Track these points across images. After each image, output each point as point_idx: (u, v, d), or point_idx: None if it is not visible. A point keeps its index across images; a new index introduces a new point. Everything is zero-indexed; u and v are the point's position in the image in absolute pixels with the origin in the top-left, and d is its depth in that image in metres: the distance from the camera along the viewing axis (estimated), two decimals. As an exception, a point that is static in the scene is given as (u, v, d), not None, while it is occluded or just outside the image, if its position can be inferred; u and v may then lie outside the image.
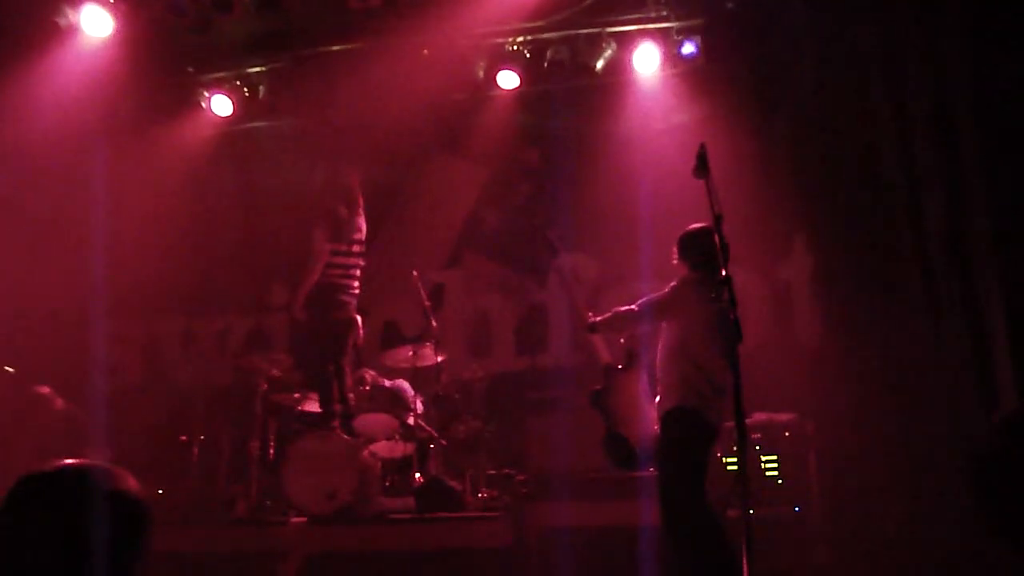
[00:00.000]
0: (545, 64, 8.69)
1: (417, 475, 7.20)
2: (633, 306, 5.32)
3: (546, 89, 9.16)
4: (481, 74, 8.81)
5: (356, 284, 7.90)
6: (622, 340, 5.68)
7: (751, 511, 3.87)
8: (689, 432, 5.00)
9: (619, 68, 8.77)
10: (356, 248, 7.98)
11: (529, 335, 8.84)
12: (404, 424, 7.42)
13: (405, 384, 7.75)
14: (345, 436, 7.11)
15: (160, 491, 7.87)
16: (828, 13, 7.14)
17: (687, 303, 5.03)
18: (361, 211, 8.14)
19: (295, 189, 9.52)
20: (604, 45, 8.55)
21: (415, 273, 8.10)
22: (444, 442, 7.43)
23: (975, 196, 5.93)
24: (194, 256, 9.82)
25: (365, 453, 7.09)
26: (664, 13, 8.51)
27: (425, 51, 8.92)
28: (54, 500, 1.81)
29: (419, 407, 7.58)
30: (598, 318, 5.50)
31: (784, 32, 7.73)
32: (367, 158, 8.79)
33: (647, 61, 8.57)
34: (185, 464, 7.81)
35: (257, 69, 9.31)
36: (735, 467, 6.29)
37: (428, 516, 6.71)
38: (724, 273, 4.15)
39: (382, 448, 7.32)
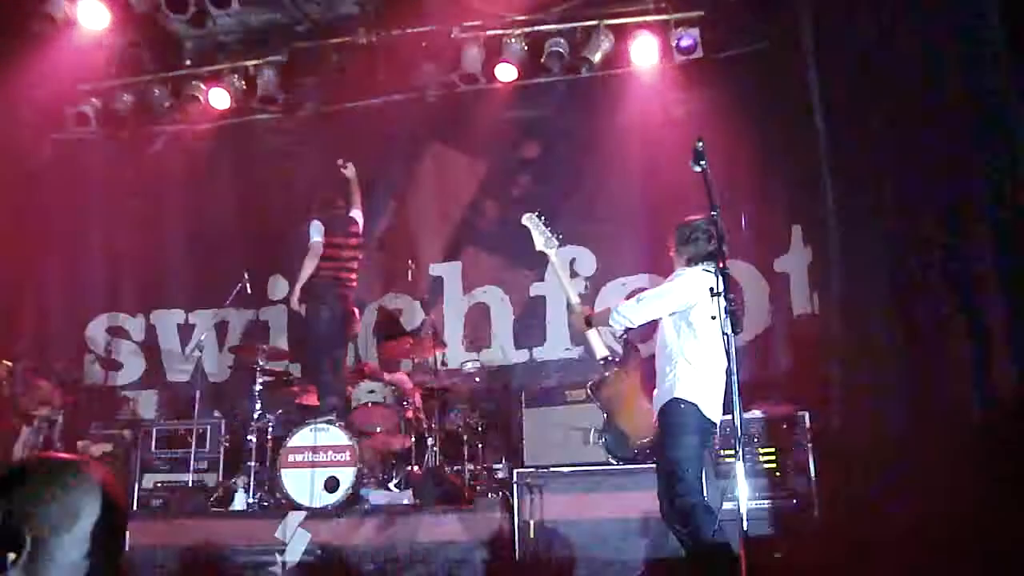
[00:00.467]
0: (543, 57, 8.69)
1: (415, 468, 7.21)
2: (633, 299, 5.30)
3: (544, 82, 9.17)
4: (479, 67, 8.80)
5: (353, 277, 7.91)
6: (620, 333, 5.66)
7: (748, 505, 3.87)
8: (687, 425, 4.99)
9: (617, 61, 8.77)
10: (353, 241, 7.99)
11: (526, 328, 8.85)
12: (402, 417, 7.43)
13: (404, 377, 7.77)
14: (343, 429, 7.10)
15: (159, 483, 7.90)
16: (827, 4, 7.12)
17: (684, 296, 5.02)
18: (358, 204, 8.15)
19: (293, 182, 9.51)
20: (602, 38, 8.55)
21: (413, 266, 8.10)
22: (442, 435, 7.44)
23: (972, 180, 5.91)
24: (192, 249, 9.83)
25: (363, 445, 7.09)
26: (662, 5, 8.52)
27: (423, 44, 8.92)
28: (49, 488, 1.84)
29: (417, 400, 7.59)
30: (596, 312, 5.49)
31: (782, 24, 7.72)
32: (365, 151, 8.78)
33: (645, 54, 8.58)
34: (184, 456, 7.81)
35: (254, 62, 9.30)
36: (732, 460, 6.29)
37: (426, 508, 6.72)
38: (722, 265, 4.14)
39: (379, 441, 7.33)
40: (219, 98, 9.38)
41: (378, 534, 6.56)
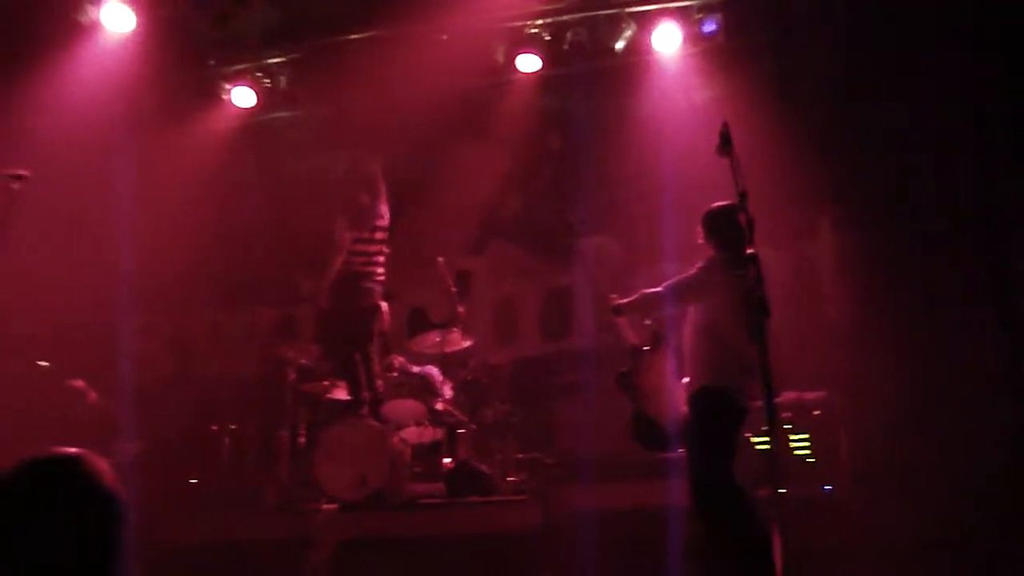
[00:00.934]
0: (565, 46, 8.65)
1: (446, 460, 7.23)
2: (659, 287, 5.29)
3: (566, 72, 9.12)
4: (501, 58, 8.78)
5: (380, 271, 7.92)
6: (647, 321, 5.65)
7: (782, 491, 3.85)
8: (718, 412, 4.98)
9: (639, 48, 8.72)
10: (379, 235, 7.99)
11: (554, 319, 8.82)
12: (432, 410, 7.45)
13: (433, 370, 7.77)
14: (374, 423, 7.13)
15: (193, 480, 7.96)
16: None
17: (714, 282, 5.00)
18: (383, 198, 8.14)
19: (318, 178, 9.57)
20: (624, 25, 8.51)
21: (440, 260, 8.10)
22: (473, 427, 7.45)
23: (1007, 170, 5.85)
24: (220, 248, 9.89)
25: (394, 439, 7.11)
26: (684, -9, 8.46)
27: (444, 37, 8.90)
28: (52, 485, 1.87)
29: (447, 393, 7.61)
30: (623, 300, 5.48)
31: (806, 6, 7.65)
32: (389, 145, 8.78)
33: (668, 40, 8.52)
34: (216, 454, 7.87)
35: (277, 60, 9.34)
36: (764, 447, 6.26)
37: (458, 501, 6.74)
38: (750, 251, 4.11)
39: (411, 434, 7.35)
40: (243, 96, 9.42)
41: (411, 526, 6.59)
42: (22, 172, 5.46)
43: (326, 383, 7.82)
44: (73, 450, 1.93)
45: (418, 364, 7.98)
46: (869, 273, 7.27)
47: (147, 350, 9.79)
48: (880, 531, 6.08)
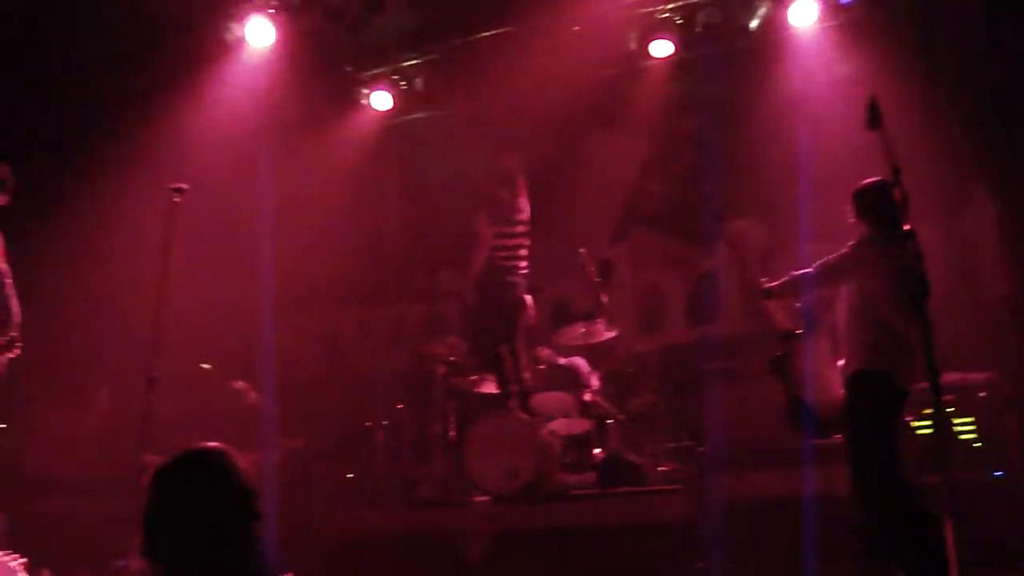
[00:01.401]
0: (698, 29, 8.51)
1: (597, 451, 7.23)
2: (810, 268, 5.16)
3: (701, 54, 8.97)
4: (633, 45, 8.72)
5: (524, 265, 7.99)
6: (798, 304, 5.51)
7: (950, 477, 3.70)
8: (877, 396, 4.83)
9: (775, 25, 8.52)
10: (520, 229, 8.06)
11: (700, 305, 8.70)
12: (581, 401, 7.46)
13: (580, 361, 7.78)
14: (523, 415, 7.19)
15: (349, 476, 8.20)
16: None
17: (869, 261, 4.84)
18: (523, 192, 8.20)
19: (457, 176, 9.72)
20: (758, 3, 8.33)
21: (583, 250, 8.10)
22: (622, 417, 7.43)
23: None
24: (366, 248, 10.17)
25: (544, 431, 7.15)
26: (820, -39, 8.20)
27: (576, 28, 8.90)
28: (202, 477, 2.24)
29: (595, 383, 7.61)
30: (773, 283, 5.37)
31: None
32: (526, 139, 8.85)
33: (804, 15, 8.29)
34: (370, 449, 8.08)
35: (413, 62, 9.53)
36: (926, 431, 6.03)
37: (610, 491, 6.73)
38: (907, 228, 3.96)
39: (560, 426, 7.38)
40: (381, 100, 9.66)
41: (564, 519, 6.63)
42: (183, 186, 5.74)
43: (474, 377, 7.92)
44: (216, 445, 2.30)
45: (564, 356, 8.01)
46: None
47: (301, 350, 10.15)
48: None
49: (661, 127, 9.22)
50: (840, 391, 5.03)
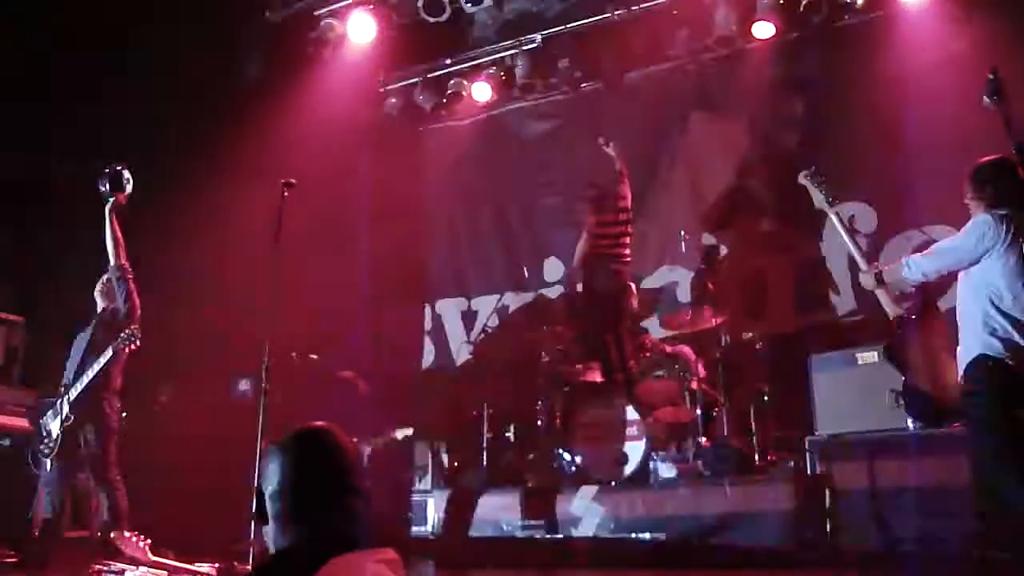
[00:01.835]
0: (801, 8, 8.32)
1: (704, 439, 7.17)
2: (925, 252, 5.00)
3: (804, 34, 8.77)
4: (734, 27, 8.57)
5: (626, 252, 7.97)
6: (912, 289, 5.35)
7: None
8: (996, 383, 4.65)
9: (882, 0, 8.26)
10: (623, 216, 8.04)
11: (808, 291, 8.49)
12: (687, 388, 7.40)
13: (686, 349, 7.71)
14: (629, 403, 7.17)
15: (456, 464, 8.30)
16: None
17: (988, 242, 4.66)
18: (625, 180, 8.17)
19: (558, 164, 9.74)
20: (864, -23, 8.08)
21: (686, 236, 8.02)
22: (729, 405, 7.33)
23: None
24: (468, 238, 10.28)
25: (650, 419, 7.13)
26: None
27: (674, 12, 8.80)
28: (311, 452, 2.43)
29: (701, 371, 7.53)
30: (885, 267, 5.22)
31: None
32: (627, 126, 8.81)
33: (914, -13, 8.01)
34: (477, 437, 8.16)
35: (511, 52, 9.56)
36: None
37: (717, 479, 6.67)
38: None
39: (667, 414, 7.34)
40: (481, 91, 9.74)
41: (670, 507, 6.60)
42: (292, 180, 5.91)
43: (579, 366, 7.94)
44: (325, 424, 2.49)
45: (670, 343, 7.95)
46: None
47: (409, 341, 10.31)
48: None
49: (764, 109, 9.03)
50: (957, 377, 4.87)
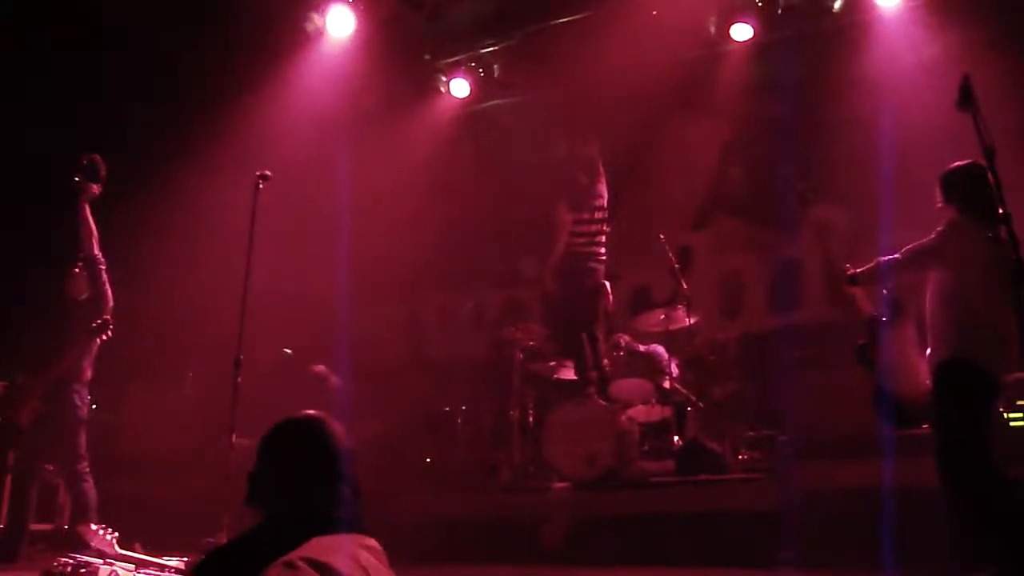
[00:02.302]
0: (779, 11, 8.37)
1: (676, 438, 7.19)
2: (897, 255, 5.03)
3: (782, 37, 8.82)
4: (713, 29, 8.61)
5: (602, 251, 7.97)
6: (884, 291, 5.37)
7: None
8: (966, 386, 4.67)
9: (859, 6, 8.33)
10: (599, 215, 8.04)
11: (783, 292, 8.54)
12: (660, 388, 7.43)
13: (660, 348, 7.74)
14: (602, 402, 7.19)
15: (428, 460, 8.29)
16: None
17: (959, 246, 4.69)
18: (602, 178, 8.17)
19: (536, 162, 9.74)
20: (841, -18, 8.13)
21: (662, 236, 8.04)
22: (701, 404, 7.36)
23: None
24: (446, 234, 10.25)
25: (623, 418, 7.14)
26: (905, -62, 7.97)
27: (654, 12, 8.81)
28: (301, 438, 2.51)
29: (674, 370, 7.56)
30: (858, 269, 5.25)
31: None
32: (605, 125, 8.80)
33: (889, -7, 8.07)
34: (450, 434, 8.15)
35: (491, 49, 9.55)
36: (1020, 423, 5.86)
37: (689, 479, 6.68)
38: (1002, 211, 3.83)
39: (639, 412, 7.36)
40: (460, 87, 9.72)
41: (642, 505, 6.60)
42: (267, 172, 5.87)
43: (553, 363, 7.95)
44: (317, 413, 2.57)
45: (644, 343, 7.97)
46: None
47: (383, 336, 10.27)
48: None
49: (742, 111, 9.07)
50: (927, 380, 4.90)
